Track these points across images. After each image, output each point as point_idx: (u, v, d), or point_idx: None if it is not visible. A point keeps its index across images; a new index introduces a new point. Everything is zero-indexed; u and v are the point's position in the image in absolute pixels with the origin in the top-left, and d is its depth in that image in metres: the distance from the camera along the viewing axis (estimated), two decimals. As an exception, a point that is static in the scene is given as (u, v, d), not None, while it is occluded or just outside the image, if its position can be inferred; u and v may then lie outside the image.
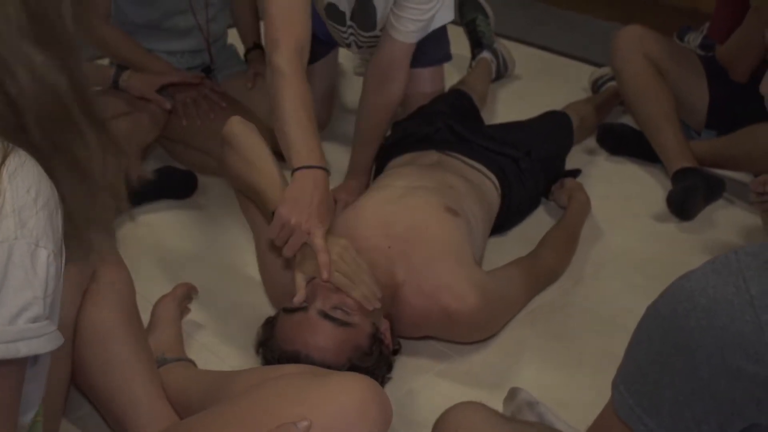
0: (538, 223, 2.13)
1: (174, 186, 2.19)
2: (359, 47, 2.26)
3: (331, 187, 1.74)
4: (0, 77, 0.85)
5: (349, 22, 2.12)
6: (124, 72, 2.17)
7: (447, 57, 2.41)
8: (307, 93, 1.74)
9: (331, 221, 1.63)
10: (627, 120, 2.55)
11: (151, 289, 1.72)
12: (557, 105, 2.52)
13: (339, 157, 2.28)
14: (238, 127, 1.75)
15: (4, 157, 0.83)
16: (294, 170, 1.64)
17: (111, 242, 1.37)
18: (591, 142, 2.49)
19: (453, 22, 2.34)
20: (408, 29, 2.01)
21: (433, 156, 1.99)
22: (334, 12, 2.11)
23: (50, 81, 0.87)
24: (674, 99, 2.34)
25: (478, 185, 1.92)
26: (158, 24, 2.24)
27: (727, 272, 0.80)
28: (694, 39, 3.18)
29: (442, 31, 2.36)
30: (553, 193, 2.18)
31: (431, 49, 2.32)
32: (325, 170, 1.65)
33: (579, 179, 2.23)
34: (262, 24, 1.93)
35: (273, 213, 1.59)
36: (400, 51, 2.05)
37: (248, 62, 2.43)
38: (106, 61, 2.37)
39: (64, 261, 0.91)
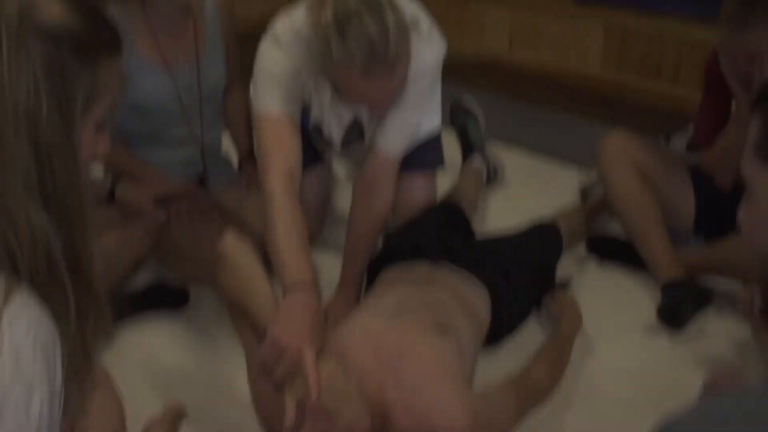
0: (531, 335, 2.13)
1: (166, 299, 2.20)
2: (339, 152, 2.34)
3: (323, 299, 1.77)
4: (3, 228, 0.87)
5: (334, 147, 2.19)
6: (120, 184, 2.20)
7: (440, 162, 2.44)
8: (298, 215, 1.81)
9: (322, 341, 1.64)
10: (615, 226, 2.58)
11: (139, 406, 1.71)
12: (546, 209, 2.56)
13: (332, 267, 2.29)
14: (232, 245, 1.78)
15: (7, 298, 0.85)
16: (285, 290, 1.66)
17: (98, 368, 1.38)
18: (580, 250, 2.51)
19: (444, 124, 2.39)
20: (392, 140, 2.06)
21: (424, 269, 2.01)
22: (318, 134, 2.18)
23: (46, 243, 0.89)
24: (661, 207, 2.37)
25: (469, 299, 1.93)
26: (154, 134, 2.27)
27: (710, 423, 0.81)
28: (680, 140, 3.25)
29: (437, 137, 2.41)
30: (545, 305, 2.19)
31: (424, 154, 2.36)
32: (317, 291, 1.68)
33: (570, 288, 2.24)
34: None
35: (265, 332, 1.61)
36: (385, 163, 2.09)
37: (242, 171, 2.46)
38: (101, 172, 2.41)
39: (62, 402, 0.91)
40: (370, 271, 2.15)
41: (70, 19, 0.94)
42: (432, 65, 2.01)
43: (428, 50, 1.99)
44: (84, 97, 0.96)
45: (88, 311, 0.97)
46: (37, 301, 0.89)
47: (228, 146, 2.56)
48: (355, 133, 2.15)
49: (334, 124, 2.14)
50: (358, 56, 1.71)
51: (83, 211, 0.97)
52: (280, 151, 1.90)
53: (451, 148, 2.92)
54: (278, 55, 1.94)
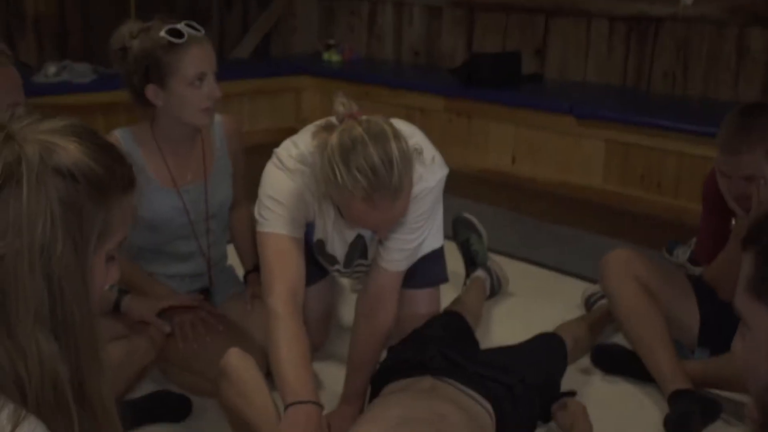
0: (535, 448, 2.11)
1: (168, 410, 2.18)
2: (341, 275, 2.38)
3: (326, 412, 1.77)
4: (13, 357, 0.90)
5: (336, 265, 2.23)
6: (126, 296, 2.23)
7: (443, 279, 2.48)
8: (300, 333, 1.88)
9: None
10: (620, 338, 2.57)
11: None
12: (551, 322, 2.56)
13: (335, 379, 2.29)
14: (235, 360, 1.80)
15: (16, 425, 0.87)
16: (287, 405, 1.68)
17: None
18: (585, 361, 2.50)
19: (447, 238, 2.42)
20: (394, 258, 2.09)
21: (427, 382, 2.00)
22: (321, 250, 2.22)
23: (54, 372, 0.92)
24: (665, 320, 2.38)
25: (472, 413, 1.92)
26: (161, 248, 2.31)
27: None
28: (683, 253, 3.29)
29: (439, 253, 2.45)
30: (554, 413, 2.16)
31: (428, 271, 2.40)
32: (318, 405, 1.69)
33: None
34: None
35: None
36: (388, 279, 2.12)
37: (247, 283, 2.48)
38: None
39: None
40: (374, 383, 2.14)
41: (86, 159, 0.99)
42: (434, 189, 2.07)
43: (431, 176, 2.05)
44: (98, 233, 1.00)
45: None
46: (43, 430, 0.90)
47: (233, 258, 2.60)
48: (358, 250, 2.19)
49: (337, 241, 2.18)
50: (362, 184, 1.75)
51: (93, 341, 1.00)
52: (283, 271, 1.96)
53: (454, 260, 2.95)
54: (282, 178, 2.01)
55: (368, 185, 1.75)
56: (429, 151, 2.08)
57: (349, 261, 2.23)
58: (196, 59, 2.11)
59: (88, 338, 0.99)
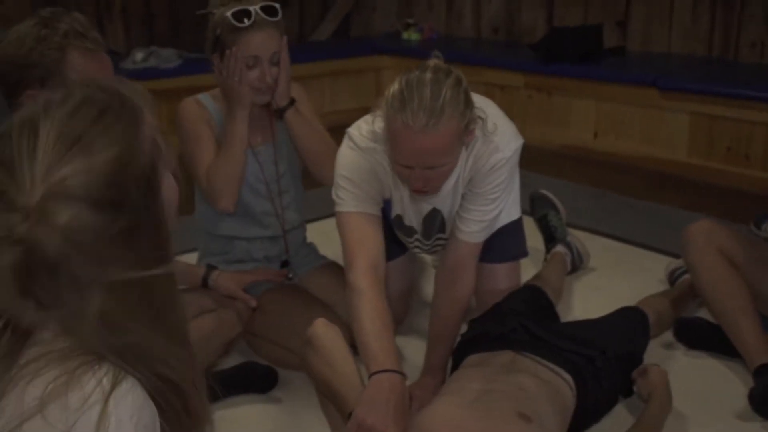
0: (617, 420, 2.11)
1: (255, 381, 2.26)
2: (421, 251, 2.39)
3: (408, 383, 1.81)
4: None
5: (416, 235, 2.26)
6: (213, 272, 2.31)
7: (523, 253, 2.50)
8: (382, 305, 1.91)
9: (406, 423, 1.68)
10: (704, 313, 2.54)
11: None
12: (633, 297, 2.54)
13: (416, 352, 2.33)
14: (321, 330, 1.85)
15: (114, 386, 0.91)
16: (371, 374, 1.72)
17: None
18: (668, 336, 2.48)
19: (525, 213, 2.43)
20: (472, 230, 2.12)
21: (507, 356, 2.02)
22: (400, 224, 2.25)
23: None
24: (750, 292, 2.34)
25: (553, 386, 1.93)
26: (242, 211, 2.38)
27: None
28: (771, 226, 3.21)
29: (518, 227, 2.46)
30: (634, 379, 2.16)
31: (507, 245, 2.41)
32: (402, 374, 1.73)
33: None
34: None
35: (350, 414, 1.66)
36: (466, 251, 2.14)
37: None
38: (194, 259, 2.52)
39: None
40: (455, 355, 2.17)
41: (93, 179, 0.93)
42: (510, 160, 2.07)
43: (506, 147, 2.05)
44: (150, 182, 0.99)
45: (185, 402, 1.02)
46: (141, 389, 0.95)
47: (312, 235, 2.66)
48: (436, 224, 2.21)
49: (413, 215, 2.22)
50: (399, 94, 1.81)
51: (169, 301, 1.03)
52: (363, 247, 2.01)
53: (534, 236, 2.95)
54: (355, 158, 2.05)
55: (408, 96, 1.79)
56: (503, 122, 2.09)
57: (427, 234, 2.26)
58: (252, 44, 2.19)
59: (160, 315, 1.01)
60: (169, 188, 1.05)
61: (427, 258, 2.99)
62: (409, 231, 2.28)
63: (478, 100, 2.02)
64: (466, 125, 1.87)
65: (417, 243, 2.34)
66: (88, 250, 0.91)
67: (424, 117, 1.78)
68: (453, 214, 2.16)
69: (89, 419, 0.89)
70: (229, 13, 2.16)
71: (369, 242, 2.01)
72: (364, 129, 2.07)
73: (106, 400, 0.90)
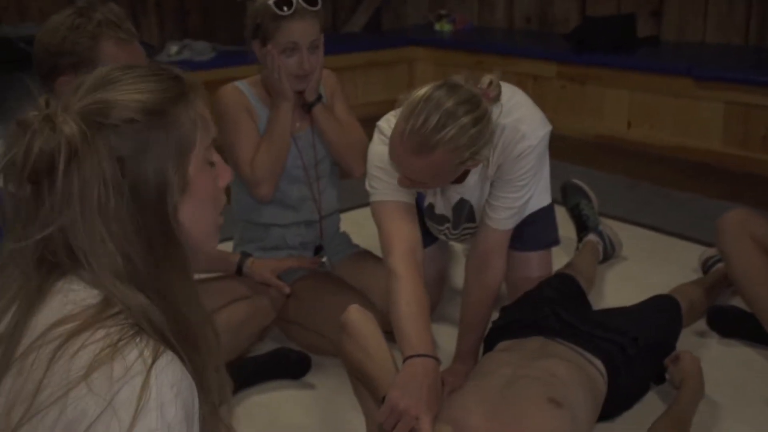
0: (648, 407, 2.11)
1: (289, 367, 2.29)
2: (448, 239, 2.42)
3: (440, 369, 1.83)
4: (122, 308, 0.99)
5: (447, 224, 2.28)
6: (248, 258, 2.34)
7: (555, 241, 2.51)
8: (420, 291, 1.93)
9: (438, 408, 1.69)
10: (737, 301, 2.52)
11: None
12: (666, 286, 2.54)
13: (449, 339, 2.35)
14: (356, 315, 1.87)
15: (155, 358, 0.95)
16: (406, 358, 1.74)
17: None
18: (701, 325, 2.47)
19: (557, 203, 2.43)
20: (501, 216, 2.13)
21: (538, 342, 2.03)
22: (431, 213, 2.27)
23: (149, 318, 1.00)
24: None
25: (584, 372, 1.93)
26: (276, 195, 2.41)
27: None
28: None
29: (550, 215, 2.47)
30: (667, 365, 2.16)
31: (539, 233, 2.42)
32: (436, 359, 1.75)
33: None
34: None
35: (383, 398, 1.68)
36: (496, 238, 2.16)
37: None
38: (230, 247, 2.56)
39: None
40: (486, 342, 2.18)
41: (132, 96, 1.01)
42: (537, 147, 2.07)
43: (533, 134, 2.05)
44: (176, 152, 1.03)
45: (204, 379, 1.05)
46: (179, 363, 0.98)
47: (345, 225, 2.68)
48: (464, 213, 2.24)
49: (443, 204, 2.24)
50: (405, 124, 1.82)
51: (171, 290, 1.04)
52: (399, 232, 2.03)
53: (566, 225, 2.95)
54: (385, 149, 2.07)
55: (419, 108, 1.80)
56: (530, 110, 2.10)
57: (455, 223, 2.28)
58: (292, 31, 2.24)
59: (173, 273, 1.04)
60: (208, 178, 1.08)
61: (459, 246, 3.00)
62: (441, 219, 2.30)
63: (506, 88, 2.03)
64: (463, 161, 1.86)
65: (446, 232, 2.36)
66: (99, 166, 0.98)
67: (415, 142, 1.81)
68: (482, 203, 2.17)
69: (132, 389, 0.92)
70: (270, 2, 2.21)
71: (406, 228, 2.03)
72: (393, 122, 2.09)
73: (148, 371, 0.93)
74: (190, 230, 1.07)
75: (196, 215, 1.08)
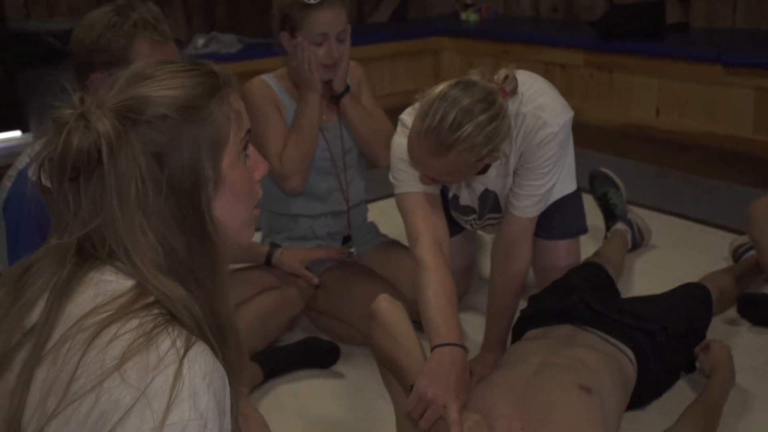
0: (679, 395, 2.10)
1: (318, 356, 2.31)
2: (474, 228, 2.42)
3: (468, 359, 1.84)
4: (164, 302, 1.00)
5: (473, 215, 2.27)
6: (277, 250, 2.35)
7: (583, 230, 2.50)
8: (447, 280, 1.94)
9: (466, 396, 1.70)
10: (769, 289, 2.51)
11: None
12: (696, 275, 2.52)
13: (476, 328, 2.35)
14: (385, 305, 1.88)
15: (187, 348, 0.96)
16: (434, 347, 1.75)
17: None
18: (732, 313, 2.45)
19: (585, 192, 2.42)
20: (525, 204, 2.12)
21: (567, 329, 2.02)
22: (456, 204, 2.28)
23: (189, 308, 1.01)
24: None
25: (613, 360, 1.93)
26: (305, 186, 2.43)
27: None
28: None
29: (578, 204, 2.46)
30: (697, 354, 2.15)
31: (566, 222, 2.41)
32: (464, 348, 1.75)
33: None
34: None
35: (412, 387, 1.69)
36: (521, 226, 2.15)
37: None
38: (258, 238, 2.58)
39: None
40: (515, 332, 2.18)
41: (165, 93, 1.02)
42: (559, 134, 2.07)
43: (554, 121, 2.04)
44: (210, 147, 1.04)
45: (231, 365, 1.06)
46: (211, 352, 0.99)
47: (372, 215, 2.69)
48: (488, 204, 2.24)
49: (468, 194, 2.25)
50: (421, 124, 1.83)
51: (210, 284, 1.06)
52: (426, 223, 2.03)
53: (594, 214, 2.93)
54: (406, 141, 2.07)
55: (435, 107, 1.81)
56: (551, 96, 2.09)
57: (481, 213, 2.28)
58: (321, 21, 2.25)
59: (212, 269, 1.06)
60: (242, 171, 1.10)
61: (487, 237, 3.00)
62: (466, 210, 2.30)
63: (525, 76, 2.04)
64: (481, 158, 1.86)
65: (472, 222, 2.36)
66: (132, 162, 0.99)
67: (432, 142, 1.82)
68: (506, 192, 2.17)
69: (165, 379, 0.93)
70: None
71: (432, 219, 2.04)
72: (413, 114, 2.09)
73: (181, 361, 0.94)
74: (225, 223, 1.08)
75: (231, 209, 1.09)
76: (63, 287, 1.02)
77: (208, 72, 1.07)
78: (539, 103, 2.04)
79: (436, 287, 1.92)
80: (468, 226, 2.44)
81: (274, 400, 2.18)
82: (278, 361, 2.26)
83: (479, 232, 2.76)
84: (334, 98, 2.40)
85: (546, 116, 2.03)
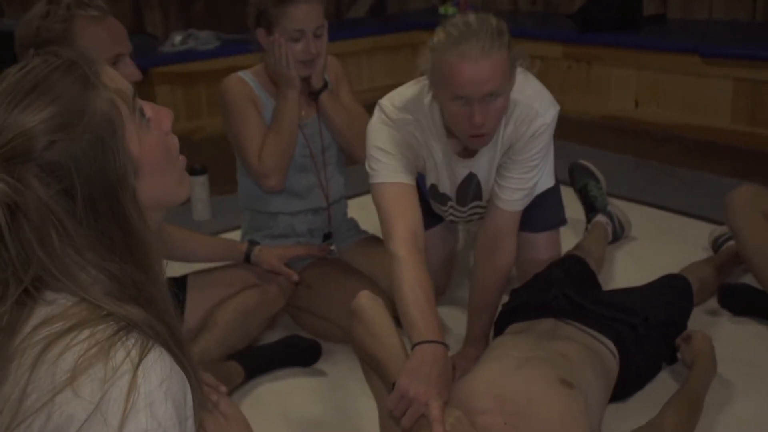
0: (661, 387, 2.10)
1: (299, 354, 2.29)
2: (455, 221, 2.37)
3: (450, 354, 1.82)
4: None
5: (450, 202, 2.26)
6: (255, 247, 2.34)
7: (562, 221, 2.50)
8: (423, 274, 1.91)
9: (448, 393, 1.69)
10: (749, 279, 2.51)
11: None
12: (676, 265, 2.53)
13: (458, 323, 2.34)
14: (366, 301, 1.87)
15: (142, 356, 0.92)
16: (414, 345, 1.73)
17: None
18: (713, 303, 2.46)
19: (564, 184, 2.41)
20: (512, 198, 2.11)
21: (549, 323, 2.02)
22: (435, 193, 2.26)
23: (153, 326, 0.97)
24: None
25: (596, 353, 1.93)
26: (287, 185, 2.41)
27: None
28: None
29: (557, 196, 2.46)
30: (678, 345, 2.15)
31: (546, 214, 2.41)
32: (444, 345, 1.74)
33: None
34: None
35: (393, 384, 1.67)
36: (506, 219, 2.14)
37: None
38: (237, 236, 2.56)
39: None
40: (497, 325, 2.18)
41: (50, 113, 0.94)
42: (549, 126, 2.07)
43: (546, 113, 2.04)
44: (108, 145, 0.96)
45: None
46: (169, 357, 0.96)
47: (352, 211, 2.68)
48: (471, 189, 2.21)
49: (448, 182, 2.21)
50: (453, 33, 1.83)
51: (164, 303, 1.02)
52: (401, 216, 2.01)
53: (574, 207, 2.94)
54: (386, 130, 2.06)
55: (458, 33, 1.82)
56: (540, 89, 2.08)
57: (462, 199, 2.25)
58: (297, 17, 2.24)
59: (148, 278, 1.01)
60: (150, 139, 1.02)
61: (466, 229, 3.00)
62: (443, 198, 2.28)
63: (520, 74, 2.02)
64: (513, 59, 1.90)
65: (452, 211, 2.33)
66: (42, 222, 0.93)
67: (479, 44, 1.82)
68: (489, 180, 2.15)
69: (120, 390, 0.89)
70: None
71: (407, 211, 2.02)
72: (396, 99, 2.08)
73: (135, 370, 0.91)
74: (158, 198, 1.04)
75: (158, 181, 1.03)
76: (16, 308, 0.96)
77: (69, 64, 0.97)
78: (531, 92, 2.04)
79: (412, 282, 1.89)
80: (450, 217, 2.41)
81: (256, 399, 2.16)
82: (259, 360, 2.24)
83: (461, 226, 2.75)
84: (312, 95, 2.38)
85: (538, 107, 2.03)
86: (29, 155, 0.92)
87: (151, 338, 0.95)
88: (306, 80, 2.34)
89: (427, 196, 2.29)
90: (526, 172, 2.08)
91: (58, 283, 0.95)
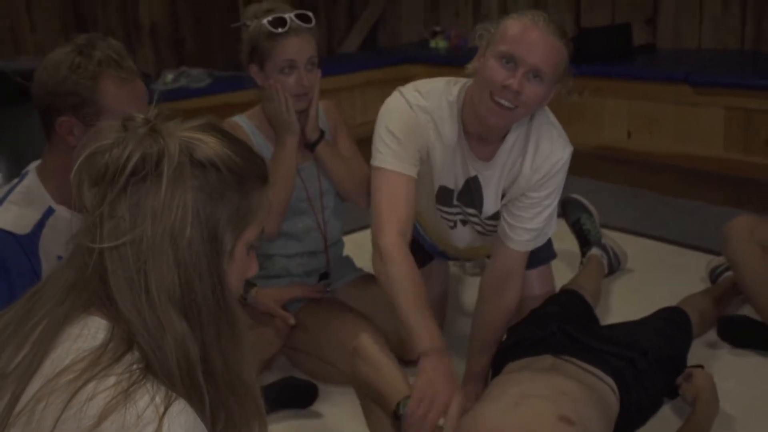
0: (663, 423, 2.08)
1: (296, 396, 2.27)
2: (464, 225, 2.29)
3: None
4: (154, 331, 0.98)
5: (455, 202, 2.22)
6: (252, 289, 2.31)
7: (552, 256, 2.49)
8: (413, 270, 1.95)
9: (455, 389, 1.79)
10: (748, 311, 2.50)
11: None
12: (674, 297, 2.51)
13: (455, 362, 2.31)
14: (367, 339, 1.87)
15: (168, 406, 0.94)
16: (419, 354, 1.82)
17: None
18: (712, 335, 2.45)
19: (559, 216, 2.41)
20: (523, 238, 2.10)
21: (548, 360, 2.00)
22: (443, 194, 2.22)
23: (185, 348, 0.99)
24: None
25: (595, 389, 1.91)
26: (283, 229, 2.38)
27: None
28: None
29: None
30: (679, 384, 2.13)
31: (535, 250, 2.38)
32: (442, 348, 1.84)
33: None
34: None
35: (395, 412, 1.68)
36: (515, 260, 2.13)
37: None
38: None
39: None
40: (495, 364, 2.16)
41: (226, 151, 1.06)
42: (566, 165, 2.10)
43: (563, 152, 2.09)
44: (238, 219, 1.06)
45: (228, 409, 1.05)
46: (191, 410, 0.97)
47: (350, 250, 2.66)
48: (472, 191, 2.17)
49: (453, 179, 2.17)
50: (527, 13, 1.93)
51: (227, 324, 1.06)
52: (395, 210, 2.01)
53: (568, 240, 2.93)
54: (405, 111, 2.06)
55: (531, 14, 1.93)
56: (560, 128, 2.11)
57: (467, 200, 2.20)
58: (288, 49, 2.22)
59: (220, 321, 1.05)
60: (242, 262, 1.10)
61: (460, 270, 2.98)
62: (450, 197, 2.22)
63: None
64: (564, 71, 1.95)
65: (458, 213, 2.24)
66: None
67: (549, 27, 1.90)
68: (496, 200, 2.13)
69: None
70: (265, 21, 2.20)
71: (401, 206, 2.01)
72: (420, 86, 2.10)
73: (160, 419, 0.92)
74: None
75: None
76: (45, 339, 1.00)
77: (261, 160, 1.12)
78: (549, 126, 2.06)
79: (405, 284, 1.92)
80: (450, 226, 2.36)
81: (253, 442, 2.13)
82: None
83: (457, 264, 2.73)
84: (308, 146, 2.35)
85: (559, 141, 2.04)
86: (198, 157, 1.04)
87: (170, 387, 0.97)
88: (302, 131, 2.31)
89: (422, 241, 2.28)
90: (540, 210, 2.08)
91: (138, 261, 1.00)
